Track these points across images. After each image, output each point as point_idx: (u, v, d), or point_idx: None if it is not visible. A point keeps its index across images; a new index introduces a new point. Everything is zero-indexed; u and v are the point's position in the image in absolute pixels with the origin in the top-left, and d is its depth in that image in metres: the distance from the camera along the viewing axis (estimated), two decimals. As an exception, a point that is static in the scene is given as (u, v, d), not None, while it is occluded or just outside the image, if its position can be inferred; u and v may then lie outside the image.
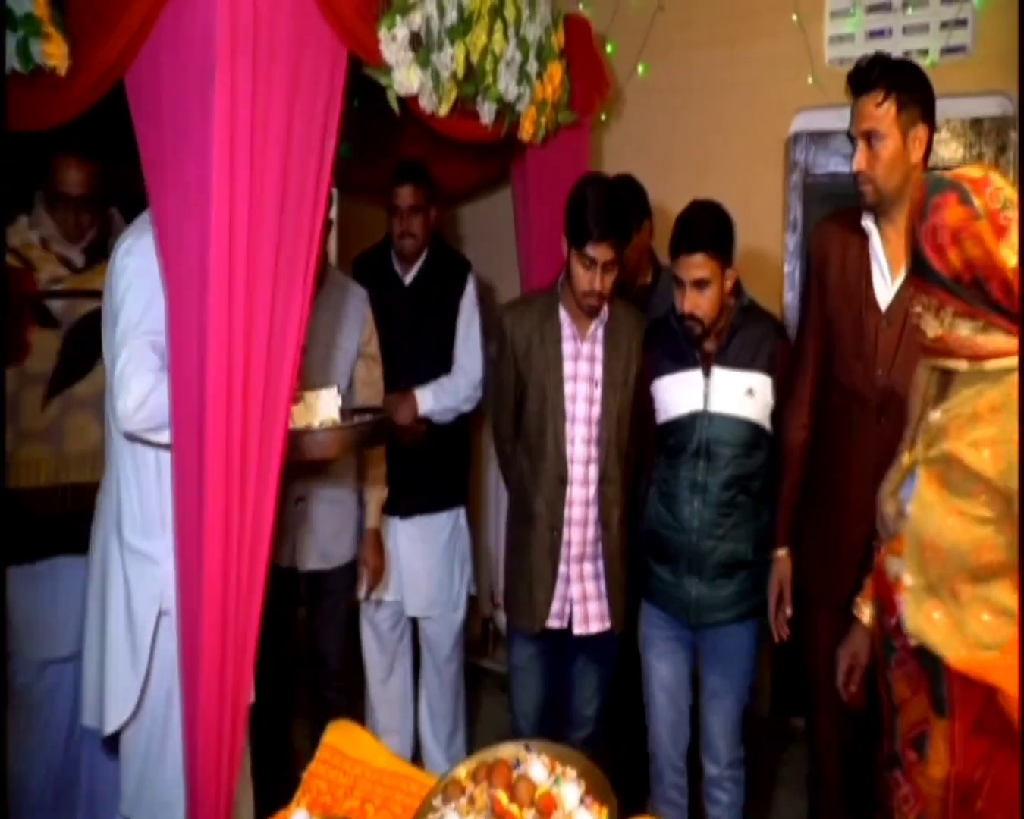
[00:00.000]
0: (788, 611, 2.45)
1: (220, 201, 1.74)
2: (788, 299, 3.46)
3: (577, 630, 2.59)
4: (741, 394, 2.41)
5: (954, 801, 1.63)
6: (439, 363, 3.06)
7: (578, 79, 3.02)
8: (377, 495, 2.91)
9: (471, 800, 1.72)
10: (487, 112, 2.54)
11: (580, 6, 3.51)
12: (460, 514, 3.23)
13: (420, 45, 2.17)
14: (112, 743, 2.20)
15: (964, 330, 1.57)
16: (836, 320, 2.35)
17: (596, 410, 2.55)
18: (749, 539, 2.46)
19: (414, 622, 3.24)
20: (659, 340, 2.56)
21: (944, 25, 3.17)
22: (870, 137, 2.15)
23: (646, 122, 3.64)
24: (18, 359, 2.48)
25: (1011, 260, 1.50)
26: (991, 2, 3.04)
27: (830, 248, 2.37)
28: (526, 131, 2.77)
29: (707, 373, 2.43)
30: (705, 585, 2.45)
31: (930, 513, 1.61)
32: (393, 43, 2.10)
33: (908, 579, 1.64)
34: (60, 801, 2.63)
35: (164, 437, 1.96)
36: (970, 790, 1.61)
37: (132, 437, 2.05)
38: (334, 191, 4.07)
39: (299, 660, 3.06)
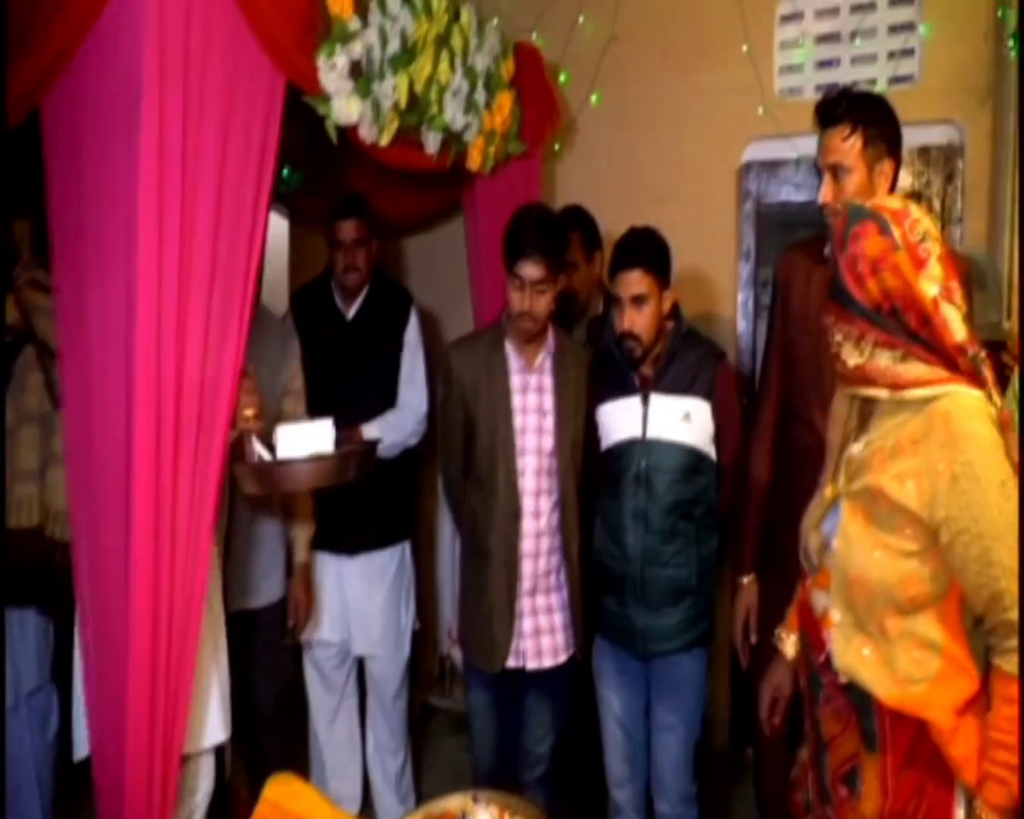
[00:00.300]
0: (753, 638, 2.45)
1: (148, 235, 1.67)
2: (742, 328, 3.45)
3: (530, 665, 2.55)
4: (678, 419, 2.42)
5: (887, 836, 1.62)
6: (383, 398, 3.01)
7: (528, 109, 2.99)
8: (305, 531, 2.82)
9: (415, 854, 1.66)
10: (432, 142, 2.50)
11: (533, 35, 3.50)
12: (406, 548, 3.18)
13: (360, 74, 2.14)
14: None
15: (884, 360, 1.57)
16: (795, 349, 2.37)
17: (547, 440, 2.53)
18: (692, 565, 2.44)
19: (359, 661, 3.16)
20: (602, 369, 2.58)
21: (892, 55, 3.20)
22: (836, 170, 2.15)
23: (599, 152, 3.64)
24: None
25: (930, 291, 1.52)
26: (938, 32, 3.09)
27: (793, 276, 2.39)
28: (474, 161, 2.74)
29: (645, 399, 2.44)
30: (651, 614, 2.44)
31: (855, 547, 1.60)
32: (332, 72, 2.05)
33: (836, 615, 1.63)
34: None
35: None
36: (903, 824, 1.60)
37: None
38: (285, 221, 4.05)
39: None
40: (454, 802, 1.80)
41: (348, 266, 2.94)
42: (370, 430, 2.92)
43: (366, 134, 2.21)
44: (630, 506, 2.44)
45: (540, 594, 2.56)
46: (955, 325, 1.53)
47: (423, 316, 3.20)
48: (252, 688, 2.81)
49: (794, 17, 3.34)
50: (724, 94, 3.39)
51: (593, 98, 3.59)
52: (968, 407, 1.52)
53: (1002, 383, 2.49)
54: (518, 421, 2.53)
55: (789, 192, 3.33)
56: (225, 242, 1.85)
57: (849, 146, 2.12)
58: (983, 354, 1.55)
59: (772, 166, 3.35)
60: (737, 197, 3.43)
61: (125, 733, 1.81)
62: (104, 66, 1.68)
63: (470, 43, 2.61)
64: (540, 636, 2.56)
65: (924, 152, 3.11)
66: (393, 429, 2.97)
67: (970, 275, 2.47)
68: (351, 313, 3.04)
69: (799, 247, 2.44)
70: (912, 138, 3.04)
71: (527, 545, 2.53)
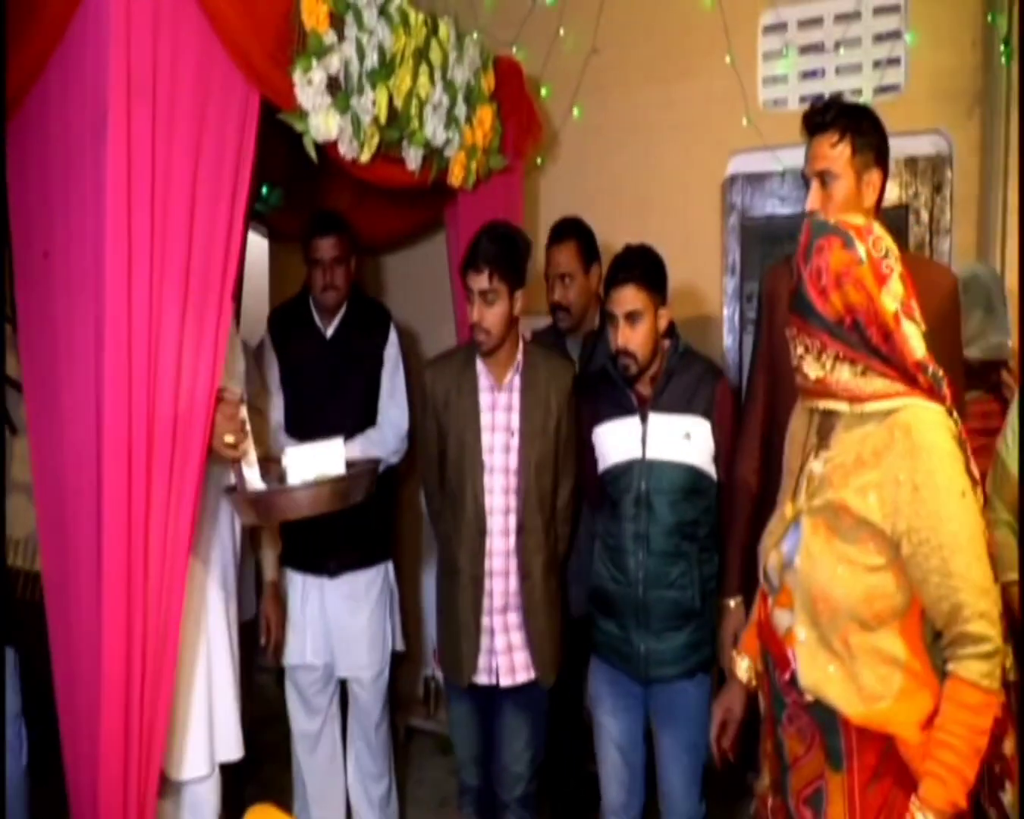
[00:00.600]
0: None
1: (116, 256, 1.63)
2: (728, 342, 3.41)
3: (504, 681, 2.53)
4: (678, 439, 2.38)
5: (854, 857, 1.60)
6: (362, 416, 2.97)
7: (510, 123, 2.96)
8: (272, 549, 2.79)
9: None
10: (413, 158, 2.46)
11: (513, 49, 3.47)
12: (388, 568, 3.13)
13: (338, 89, 2.10)
14: None
15: (845, 374, 1.59)
16: (780, 362, 2.32)
17: (513, 459, 2.50)
18: (696, 587, 2.39)
19: (341, 684, 3.11)
20: (598, 388, 2.54)
21: (877, 64, 3.17)
22: (824, 177, 2.11)
23: (582, 165, 3.60)
24: None
25: (891, 307, 1.54)
26: (924, 40, 3.06)
27: (779, 289, 2.35)
28: (455, 176, 2.70)
29: (644, 419, 2.40)
30: (653, 638, 2.39)
31: (818, 564, 1.60)
32: (309, 87, 2.02)
33: (801, 632, 1.62)
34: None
35: None
36: (870, 843, 1.58)
37: None
38: (265, 240, 4.00)
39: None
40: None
41: (327, 285, 2.88)
42: (352, 448, 2.84)
43: (346, 150, 2.18)
44: (631, 529, 2.39)
45: (512, 611, 2.53)
46: (915, 342, 1.56)
47: (404, 333, 3.16)
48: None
49: (777, 27, 3.30)
50: (707, 106, 3.35)
51: (575, 111, 3.55)
52: (929, 419, 1.54)
53: (1000, 401, 2.47)
54: (486, 439, 2.51)
55: (775, 205, 3.30)
56: (198, 262, 1.81)
57: (838, 153, 2.09)
58: (941, 373, 1.58)
59: (757, 179, 3.32)
60: (722, 210, 3.40)
61: (98, 762, 1.77)
62: (69, 84, 1.65)
63: (449, 57, 2.58)
64: (513, 652, 2.53)
65: (911, 162, 3.08)
66: (375, 446, 2.92)
67: (968, 291, 2.45)
68: (330, 331, 2.98)
69: (785, 261, 2.40)
70: (899, 149, 3.01)
71: (496, 563, 2.50)
